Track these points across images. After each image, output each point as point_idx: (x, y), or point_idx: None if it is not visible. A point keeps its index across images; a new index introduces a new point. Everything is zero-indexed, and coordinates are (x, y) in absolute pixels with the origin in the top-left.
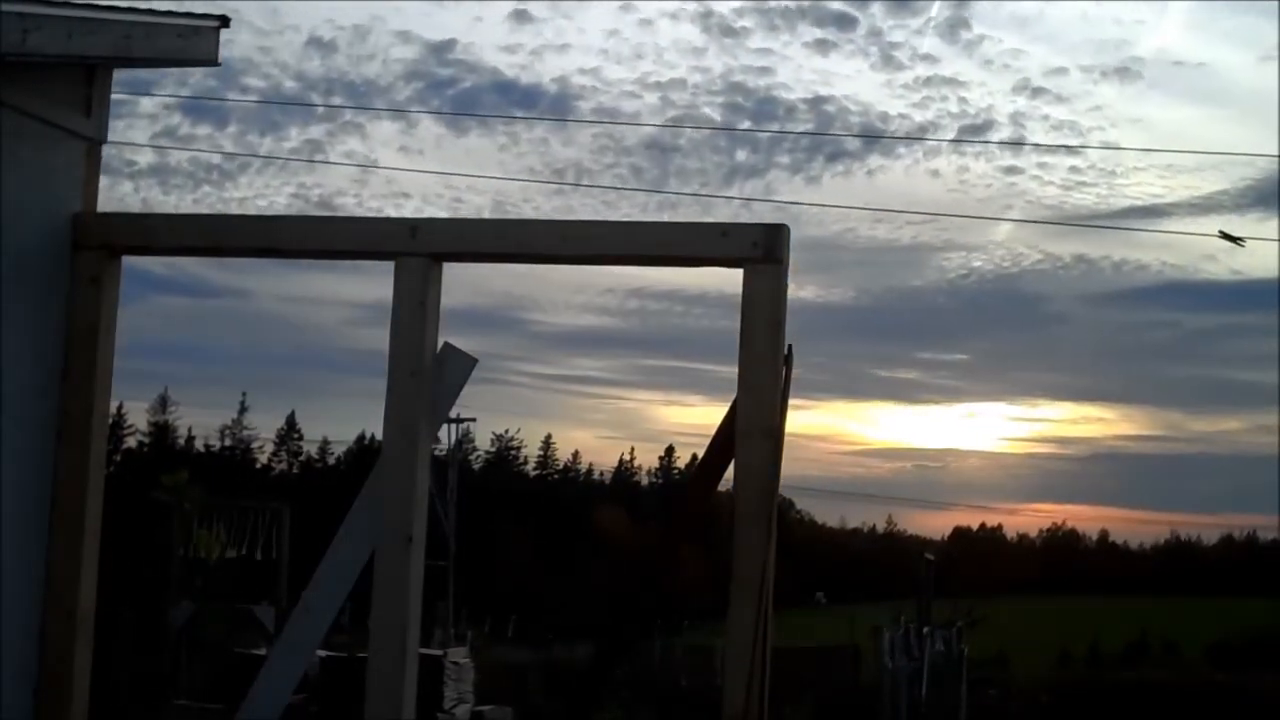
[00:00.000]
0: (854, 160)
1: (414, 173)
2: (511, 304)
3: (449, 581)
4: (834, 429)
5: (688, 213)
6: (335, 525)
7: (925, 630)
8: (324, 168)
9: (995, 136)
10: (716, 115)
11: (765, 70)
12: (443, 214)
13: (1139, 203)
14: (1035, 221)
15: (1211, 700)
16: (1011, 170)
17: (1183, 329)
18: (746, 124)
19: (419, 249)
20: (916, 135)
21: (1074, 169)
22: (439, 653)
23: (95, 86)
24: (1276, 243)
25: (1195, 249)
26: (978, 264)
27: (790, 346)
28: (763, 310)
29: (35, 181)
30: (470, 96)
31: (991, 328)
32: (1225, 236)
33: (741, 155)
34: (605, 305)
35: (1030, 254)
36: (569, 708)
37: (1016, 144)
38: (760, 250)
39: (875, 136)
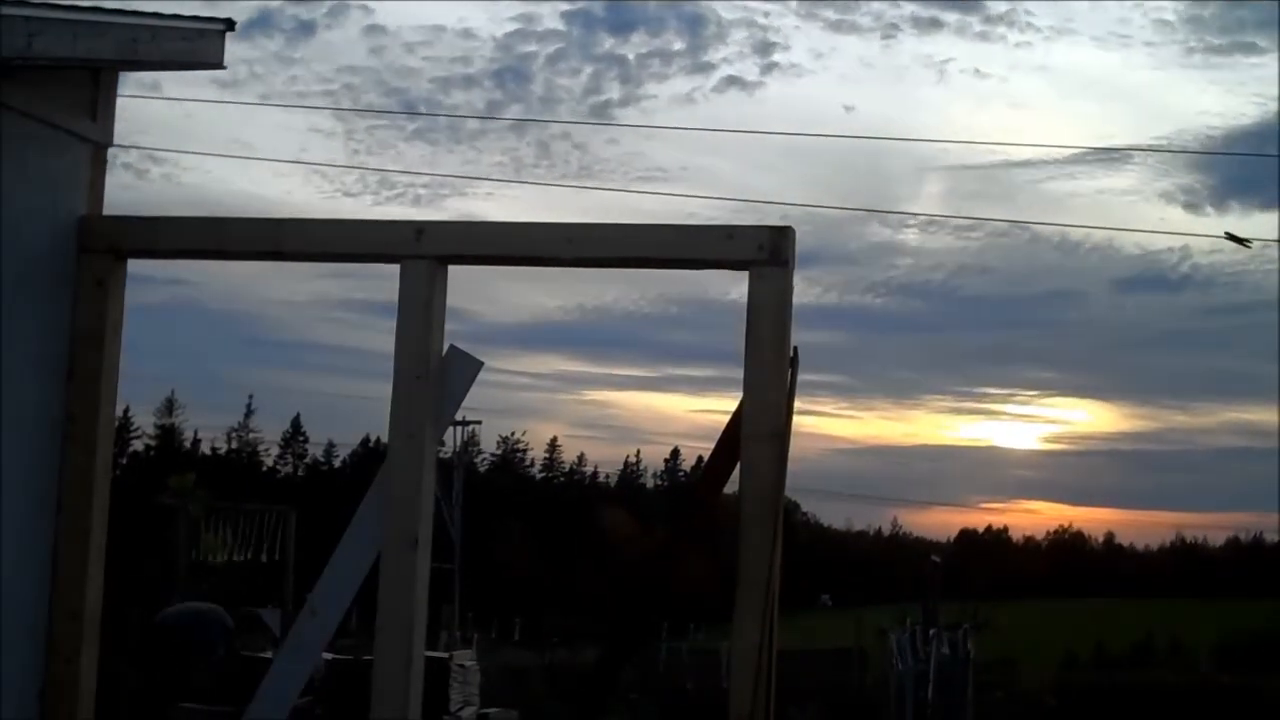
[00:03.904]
0: (750, 89)
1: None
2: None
3: (455, 584)
4: (813, 426)
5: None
6: (341, 528)
7: (931, 633)
8: (145, 108)
9: (906, 51)
10: (561, 25)
11: None
12: (305, 171)
13: (1090, 144)
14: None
15: (1218, 702)
16: (939, 109)
17: (1155, 314)
18: (607, 40)
19: (424, 251)
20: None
21: (1013, 105)
22: (445, 656)
23: (101, 89)
24: (1276, 242)
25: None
26: (911, 240)
27: (796, 349)
28: (769, 313)
29: (41, 184)
30: (258, 10)
31: (945, 314)
32: (1231, 238)
33: (611, 83)
34: (549, 302)
35: (963, 222)
36: (575, 711)
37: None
38: (766, 253)
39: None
